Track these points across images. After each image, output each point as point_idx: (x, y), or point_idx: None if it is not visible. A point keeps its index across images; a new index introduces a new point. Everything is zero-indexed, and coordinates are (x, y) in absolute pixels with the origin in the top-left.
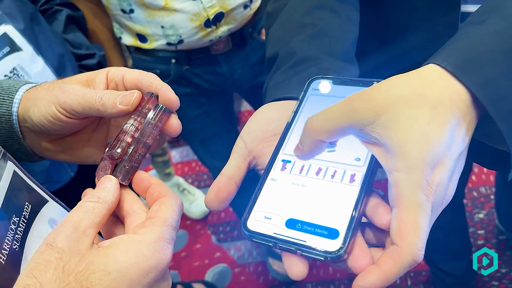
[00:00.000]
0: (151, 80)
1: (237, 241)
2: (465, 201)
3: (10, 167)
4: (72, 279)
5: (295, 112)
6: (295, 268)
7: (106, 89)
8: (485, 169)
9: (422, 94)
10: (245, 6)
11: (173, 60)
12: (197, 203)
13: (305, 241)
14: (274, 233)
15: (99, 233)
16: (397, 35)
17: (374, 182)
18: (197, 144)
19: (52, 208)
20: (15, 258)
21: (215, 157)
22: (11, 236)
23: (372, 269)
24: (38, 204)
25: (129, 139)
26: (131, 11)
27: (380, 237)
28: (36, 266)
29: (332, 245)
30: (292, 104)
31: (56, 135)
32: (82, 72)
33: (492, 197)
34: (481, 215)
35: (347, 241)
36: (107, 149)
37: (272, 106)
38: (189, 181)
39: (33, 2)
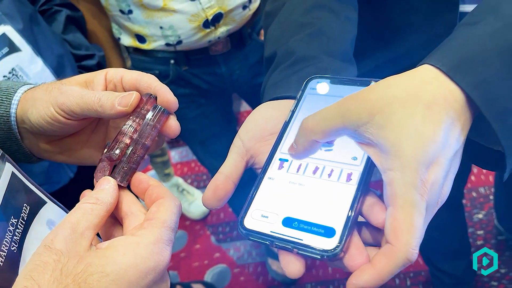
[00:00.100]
0: (149, 81)
1: (237, 241)
2: (464, 201)
3: (9, 168)
4: (70, 281)
5: (293, 111)
6: (292, 266)
7: (104, 90)
8: (484, 170)
9: (416, 94)
10: (244, 7)
11: (172, 61)
12: (197, 203)
13: (302, 240)
14: (271, 232)
15: (98, 235)
16: (396, 35)
17: (371, 182)
18: (196, 144)
19: (50, 210)
20: (13, 260)
21: (214, 157)
22: (9, 237)
23: (366, 267)
24: (36, 206)
25: (127, 140)
26: (130, 11)
27: (376, 236)
28: (34, 268)
29: (329, 244)
30: (290, 103)
31: (54, 136)
32: (82, 72)
33: (491, 197)
34: (480, 216)
35: (344, 239)
36: (105, 150)
37: (270, 105)
38: (188, 182)
39: (33, 2)
